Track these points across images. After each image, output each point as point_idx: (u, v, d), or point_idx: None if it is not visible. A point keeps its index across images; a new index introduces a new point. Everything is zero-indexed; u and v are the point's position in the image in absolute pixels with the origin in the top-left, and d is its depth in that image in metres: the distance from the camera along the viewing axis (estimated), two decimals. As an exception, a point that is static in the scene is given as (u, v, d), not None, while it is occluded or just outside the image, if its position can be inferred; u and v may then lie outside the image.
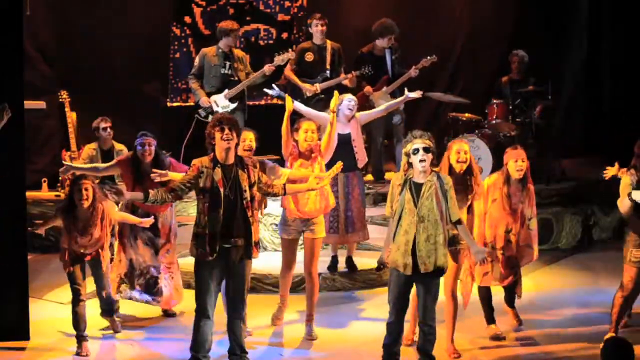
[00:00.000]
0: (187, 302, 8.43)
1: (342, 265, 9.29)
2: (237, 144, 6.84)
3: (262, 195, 7.34)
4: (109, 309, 7.84)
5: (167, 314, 8.41)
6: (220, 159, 6.75)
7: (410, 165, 6.71)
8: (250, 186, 6.79)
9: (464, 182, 7.19)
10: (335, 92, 8.33)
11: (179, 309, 8.41)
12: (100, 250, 7.54)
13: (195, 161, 6.82)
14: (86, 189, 7.41)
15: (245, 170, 6.80)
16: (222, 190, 6.68)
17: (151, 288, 8.26)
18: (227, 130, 6.70)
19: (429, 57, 10.87)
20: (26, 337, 7.63)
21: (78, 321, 7.46)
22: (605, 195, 7.72)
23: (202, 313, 6.82)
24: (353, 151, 8.83)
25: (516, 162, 7.54)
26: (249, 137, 7.66)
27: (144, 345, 7.69)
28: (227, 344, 7.03)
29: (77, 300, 7.48)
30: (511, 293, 7.94)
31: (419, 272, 6.62)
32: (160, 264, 8.27)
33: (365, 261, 9.31)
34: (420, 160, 6.63)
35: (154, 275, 8.25)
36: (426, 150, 6.65)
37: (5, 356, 7.39)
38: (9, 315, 7.61)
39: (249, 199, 6.76)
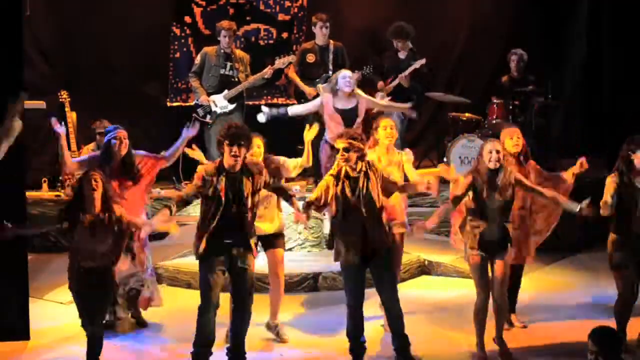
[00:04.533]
0: (183, 302, 8.45)
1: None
2: (245, 153, 6.96)
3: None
4: (95, 350, 6.99)
5: (139, 322, 8.07)
6: (227, 167, 6.89)
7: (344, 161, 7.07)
8: (253, 193, 6.94)
9: (497, 179, 7.25)
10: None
11: (173, 308, 8.41)
12: (111, 265, 6.87)
13: (200, 169, 6.98)
14: (95, 180, 6.81)
15: (250, 178, 6.93)
16: (223, 199, 6.82)
17: (133, 300, 7.96)
18: (235, 148, 6.84)
19: (418, 61, 10.77)
20: (26, 337, 7.63)
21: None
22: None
23: (204, 309, 6.91)
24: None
25: (512, 139, 7.75)
26: (256, 144, 7.56)
27: (141, 346, 7.71)
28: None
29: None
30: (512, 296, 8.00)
31: (371, 258, 7.02)
32: (142, 272, 7.90)
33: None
34: (343, 160, 6.99)
35: (134, 287, 7.89)
36: (346, 150, 6.97)
37: (5, 356, 7.38)
38: (9, 315, 7.62)
39: (249, 205, 6.90)
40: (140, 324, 8.08)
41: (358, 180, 7.01)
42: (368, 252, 7.03)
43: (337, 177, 7.04)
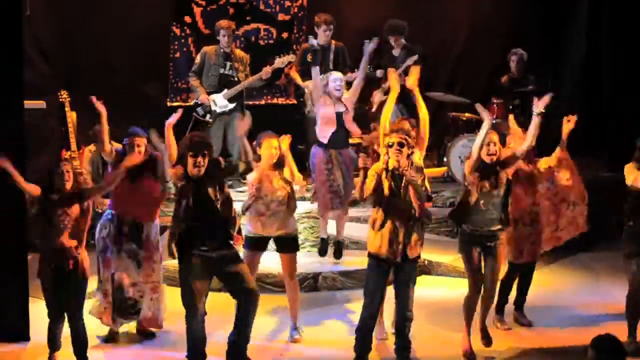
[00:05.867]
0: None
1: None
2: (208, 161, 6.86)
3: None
4: (82, 346, 7.05)
5: (144, 334, 7.83)
6: (190, 175, 6.85)
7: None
8: (220, 194, 6.85)
9: (494, 174, 7.24)
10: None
11: (173, 308, 8.39)
12: (78, 251, 6.91)
13: (171, 173, 6.96)
14: (67, 171, 6.96)
15: (215, 182, 6.86)
16: (191, 207, 6.75)
17: (126, 311, 7.61)
18: (200, 158, 6.79)
19: (410, 58, 10.74)
20: (26, 337, 7.63)
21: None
22: (606, 195, 7.74)
23: (190, 314, 6.88)
24: (345, 128, 8.88)
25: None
26: (272, 145, 7.49)
27: (139, 346, 7.72)
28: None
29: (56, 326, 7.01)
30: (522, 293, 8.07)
31: (403, 259, 6.85)
32: (144, 283, 7.61)
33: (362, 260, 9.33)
34: (397, 154, 6.82)
35: (131, 296, 7.56)
36: (401, 145, 6.82)
37: (5, 356, 7.38)
38: (9, 315, 7.62)
39: (219, 208, 6.81)
40: (146, 335, 7.84)
41: (403, 179, 6.84)
42: (399, 255, 6.87)
43: (386, 172, 6.86)
